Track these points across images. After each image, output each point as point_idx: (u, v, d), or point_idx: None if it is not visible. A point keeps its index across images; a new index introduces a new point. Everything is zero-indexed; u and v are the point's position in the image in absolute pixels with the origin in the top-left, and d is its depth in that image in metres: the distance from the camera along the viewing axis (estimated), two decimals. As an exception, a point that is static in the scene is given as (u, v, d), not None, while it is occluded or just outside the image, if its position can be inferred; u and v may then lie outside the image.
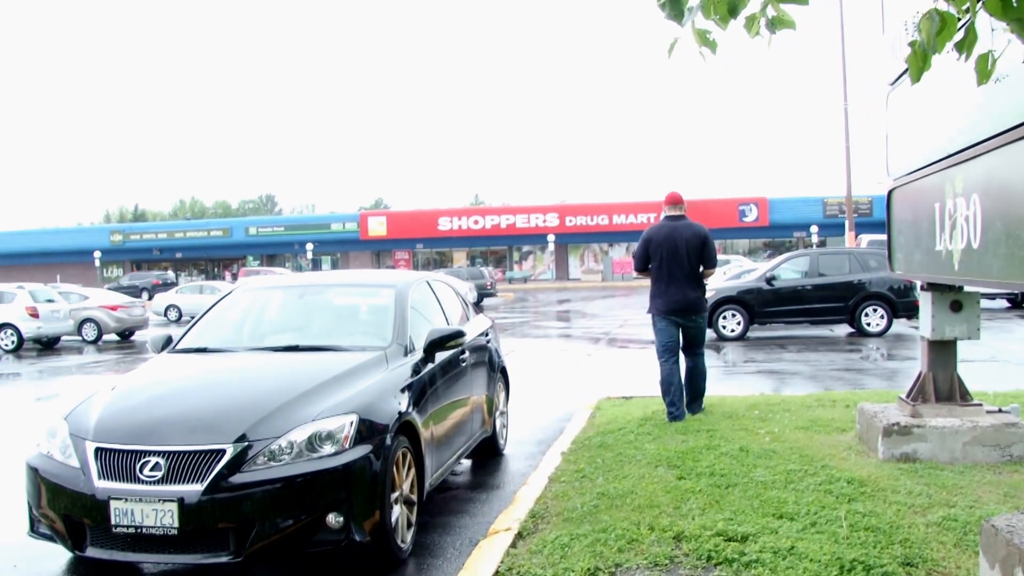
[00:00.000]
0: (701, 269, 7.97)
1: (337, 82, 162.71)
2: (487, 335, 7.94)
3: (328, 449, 4.66)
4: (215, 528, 4.45)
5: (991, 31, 2.75)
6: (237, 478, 4.49)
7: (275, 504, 4.50)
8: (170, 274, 58.80)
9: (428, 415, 5.68)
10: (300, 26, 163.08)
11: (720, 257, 43.56)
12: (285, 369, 5.57)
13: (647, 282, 8.24)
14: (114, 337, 25.72)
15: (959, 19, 2.61)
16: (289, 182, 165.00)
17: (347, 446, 4.69)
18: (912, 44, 2.62)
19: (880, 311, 17.76)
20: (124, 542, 4.51)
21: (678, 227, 7.89)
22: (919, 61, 2.61)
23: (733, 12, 2.62)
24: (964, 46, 2.69)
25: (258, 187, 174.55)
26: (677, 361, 7.99)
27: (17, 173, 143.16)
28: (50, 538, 4.87)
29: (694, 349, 8.18)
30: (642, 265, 8.11)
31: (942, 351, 6.71)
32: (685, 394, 8.06)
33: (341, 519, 4.57)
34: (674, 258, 7.82)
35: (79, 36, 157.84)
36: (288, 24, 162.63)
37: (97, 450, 4.70)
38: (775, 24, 2.70)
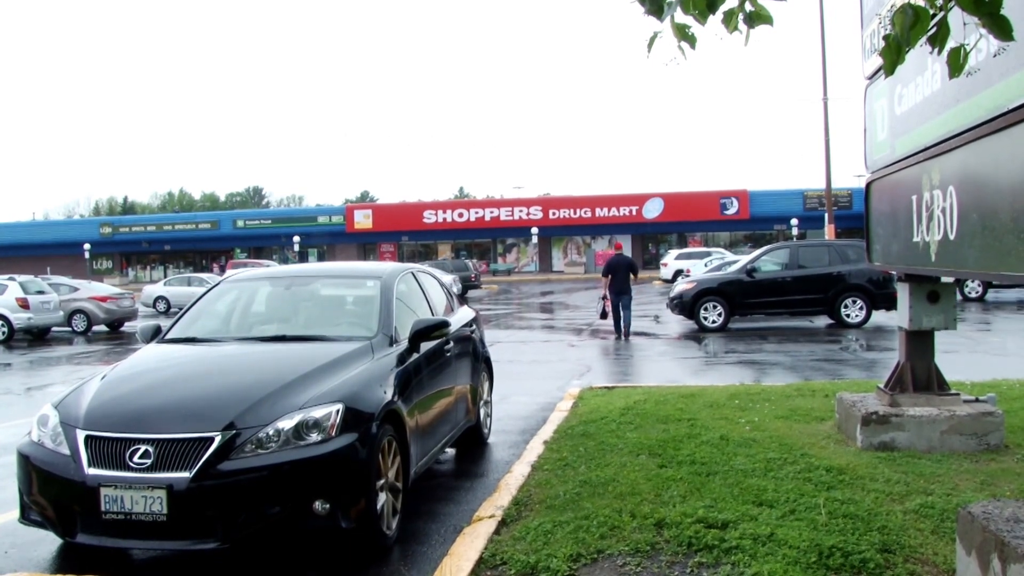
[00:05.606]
0: (632, 277, 17.79)
1: (324, 73, 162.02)
2: (471, 326, 7.99)
3: (315, 437, 4.70)
4: (203, 515, 4.49)
5: (963, 25, 2.82)
6: (225, 466, 4.53)
7: (262, 491, 4.54)
8: None
9: (413, 404, 5.73)
10: (287, 19, 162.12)
11: (701, 249, 45.47)
12: (272, 359, 5.60)
13: None
14: (103, 328, 25.67)
15: (932, 14, 2.68)
16: (277, 173, 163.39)
17: (333, 434, 4.74)
18: (887, 38, 2.67)
19: (859, 302, 17.94)
20: (113, 528, 4.53)
21: (620, 258, 17.98)
22: (893, 54, 2.67)
23: (712, 7, 2.66)
24: (937, 40, 2.75)
25: (246, 178, 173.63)
26: (618, 313, 17.48)
27: (5, 165, 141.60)
28: (41, 525, 4.89)
29: (625, 309, 17.52)
30: (606, 274, 17.76)
31: (920, 341, 6.81)
32: (621, 330, 17.56)
33: (327, 506, 4.61)
34: (618, 272, 17.58)
35: (66, 28, 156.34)
36: (275, 17, 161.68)
37: (87, 438, 4.72)
38: (753, 19, 2.74)
